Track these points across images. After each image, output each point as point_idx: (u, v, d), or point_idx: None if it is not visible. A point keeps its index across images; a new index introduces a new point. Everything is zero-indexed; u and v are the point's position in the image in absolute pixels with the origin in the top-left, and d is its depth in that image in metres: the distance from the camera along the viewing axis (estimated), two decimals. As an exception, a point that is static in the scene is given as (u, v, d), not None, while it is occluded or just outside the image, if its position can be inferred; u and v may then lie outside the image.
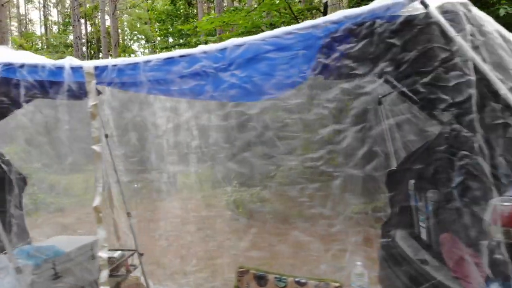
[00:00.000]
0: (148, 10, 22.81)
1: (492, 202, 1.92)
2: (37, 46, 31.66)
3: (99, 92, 3.39)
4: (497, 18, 5.93)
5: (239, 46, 2.10)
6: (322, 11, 8.00)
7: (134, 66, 2.26)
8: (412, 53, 1.95)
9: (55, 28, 36.93)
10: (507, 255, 1.81)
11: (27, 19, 34.63)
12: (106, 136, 4.05)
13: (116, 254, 3.83)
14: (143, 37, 32.54)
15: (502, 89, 1.83)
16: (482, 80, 1.87)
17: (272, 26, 7.61)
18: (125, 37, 34.66)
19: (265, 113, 2.03)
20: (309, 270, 3.63)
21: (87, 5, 28.85)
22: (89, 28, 31.78)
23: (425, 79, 1.92)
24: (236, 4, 18.55)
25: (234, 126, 2.37)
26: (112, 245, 4.22)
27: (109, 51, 23.62)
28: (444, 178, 2.06)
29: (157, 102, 3.30)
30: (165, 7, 20.44)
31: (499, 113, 1.85)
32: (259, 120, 2.15)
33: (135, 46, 35.28)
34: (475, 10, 1.95)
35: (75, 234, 5.12)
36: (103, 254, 2.24)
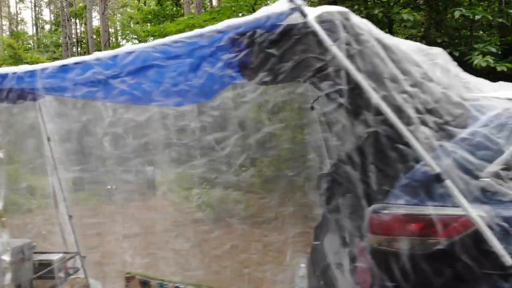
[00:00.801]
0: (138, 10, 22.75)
1: (368, 210, 1.95)
2: (29, 46, 31.63)
3: (34, 98, 3.42)
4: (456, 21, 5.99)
5: (129, 53, 2.12)
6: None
7: (32, 73, 2.28)
8: (289, 63, 1.97)
9: (47, 28, 36.90)
10: (373, 262, 1.84)
11: (18, 19, 34.56)
12: (49, 139, 4.09)
13: (57, 257, 3.86)
14: (136, 36, 32.48)
15: (374, 98, 1.85)
16: (355, 89, 1.89)
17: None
18: (118, 37, 34.61)
19: (153, 120, 2.06)
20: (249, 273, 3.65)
21: (80, 4, 28.83)
22: (82, 28, 31.78)
23: (300, 90, 1.93)
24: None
25: (122, 132, 2.39)
26: (59, 248, 4.26)
27: (99, 51, 23.59)
28: (315, 186, 2.09)
29: (95, 107, 3.32)
30: (151, 7, 20.41)
31: (371, 122, 1.88)
32: (147, 127, 2.17)
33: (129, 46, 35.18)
34: (355, 19, 1.97)
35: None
36: (6, 257, 2.26)
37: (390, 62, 1.94)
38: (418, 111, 1.91)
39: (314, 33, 1.91)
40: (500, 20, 5.36)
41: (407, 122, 1.85)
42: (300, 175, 2.76)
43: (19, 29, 36.56)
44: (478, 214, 1.80)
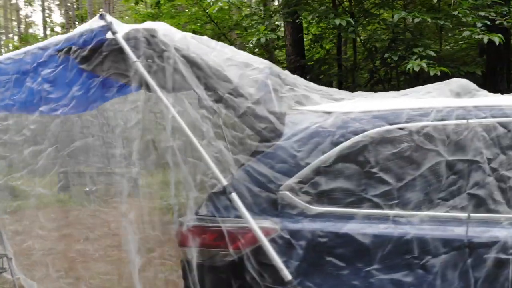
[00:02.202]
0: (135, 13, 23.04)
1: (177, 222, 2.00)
2: (38, 48, 32.25)
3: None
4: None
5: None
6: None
7: None
8: (99, 78, 2.04)
9: (59, 30, 37.67)
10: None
11: (26, 21, 35.38)
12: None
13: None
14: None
15: (171, 112, 1.90)
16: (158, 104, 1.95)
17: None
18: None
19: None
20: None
21: (86, 6, 29.35)
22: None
23: (107, 105, 2.00)
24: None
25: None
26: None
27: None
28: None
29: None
30: (149, 10, 20.64)
31: (170, 136, 1.93)
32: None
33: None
34: (162, 37, 2.01)
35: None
36: None
37: (194, 78, 1.98)
38: (218, 126, 1.96)
39: (121, 50, 1.98)
40: (442, 22, 5.30)
41: (201, 136, 1.90)
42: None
43: (31, 31, 37.45)
44: (265, 226, 1.85)
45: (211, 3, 5.89)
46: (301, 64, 7.24)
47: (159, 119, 1.98)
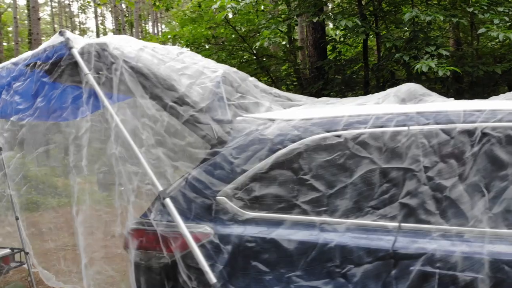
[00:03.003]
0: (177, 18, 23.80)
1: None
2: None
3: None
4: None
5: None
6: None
7: None
8: (58, 90, 2.21)
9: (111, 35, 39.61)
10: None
11: (81, 28, 37.56)
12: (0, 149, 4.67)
13: (2, 252, 4.42)
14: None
15: (115, 120, 2.03)
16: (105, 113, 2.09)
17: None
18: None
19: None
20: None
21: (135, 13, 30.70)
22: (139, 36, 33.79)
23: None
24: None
25: None
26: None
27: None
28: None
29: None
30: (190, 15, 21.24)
31: (113, 143, 2.06)
32: None
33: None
34: (112, 50, 2.15)
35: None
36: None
37: (139, 88, 2.10)
38: (159, 134, 2.06)
39: (77, 63, 2.14)
40: (456, 20, 5.06)
41: (140, 144, 2.01)
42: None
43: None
44: (198, 231, 1.92)
45: (214, 11, 6.03)
46: (319, 65, 7.18)
47: (106, 127, 2.11)
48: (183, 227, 1.87)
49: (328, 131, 1.98)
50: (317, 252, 1.79)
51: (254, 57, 7.79)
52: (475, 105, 1.98)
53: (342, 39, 7.61)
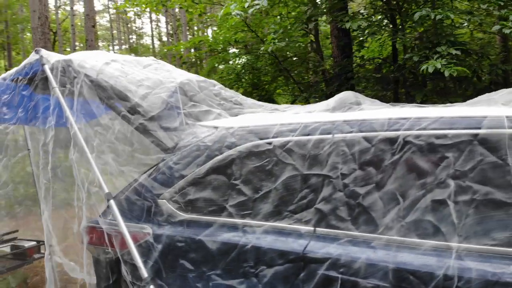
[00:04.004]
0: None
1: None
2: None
3: None
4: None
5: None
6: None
7: None
8: (32, 102, 2.51)
9: (165, 39, 41.39)
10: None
11: (137, 32, 39.50)
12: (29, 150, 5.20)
13: (28, 244, 4.91)
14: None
15: (74, 128, 2.28)
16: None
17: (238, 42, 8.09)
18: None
19: None
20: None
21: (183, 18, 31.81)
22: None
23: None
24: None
25: None
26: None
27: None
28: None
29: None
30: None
31: (72, 149, 2.31)
32: None
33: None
34: (75, 66, 2.40)
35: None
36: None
37: (96, 99, 2.33)
38: (110, 141, 2.28)
39: (47, 78, 2.42)
40: (469, 17, 4.84)
41: (92, 150, 2.24)
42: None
43: (142, 42, 41.74)
44: (137, 231, 2.12)
45: (220, 17, 6.20)
46: (342, 65, 7.13)
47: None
48: (123, 226, 2.07)
49: (261, 139, 2.08)
50: (236, 253, 1.91)
51: (274, 60, 7.88)
52: (403, 112, 1.99)
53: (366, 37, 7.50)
